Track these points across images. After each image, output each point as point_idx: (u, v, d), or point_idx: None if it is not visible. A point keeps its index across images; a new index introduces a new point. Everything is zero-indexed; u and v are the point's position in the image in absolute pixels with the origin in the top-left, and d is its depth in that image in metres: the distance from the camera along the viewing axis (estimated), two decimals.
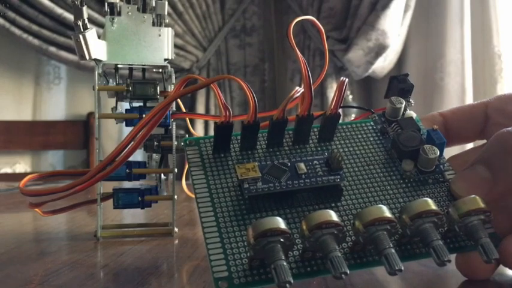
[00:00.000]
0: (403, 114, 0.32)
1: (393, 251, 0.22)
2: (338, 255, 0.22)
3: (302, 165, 0.27)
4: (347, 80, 0.29)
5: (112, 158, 0.29)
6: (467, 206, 0.24)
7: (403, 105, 0.31)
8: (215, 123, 0.28)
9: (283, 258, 0.22)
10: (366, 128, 0.32)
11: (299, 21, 0.31)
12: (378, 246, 0.22)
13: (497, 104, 0.32)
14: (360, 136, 0.31)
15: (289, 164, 0.27)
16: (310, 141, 0.30)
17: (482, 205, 0.24)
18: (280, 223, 0.22)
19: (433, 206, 0.23)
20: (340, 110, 0.29)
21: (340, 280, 0.25)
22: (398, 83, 0.32)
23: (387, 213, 0.23)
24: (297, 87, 0.28)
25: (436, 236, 0.23)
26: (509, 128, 0.27)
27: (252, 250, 0.22)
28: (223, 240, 0.24)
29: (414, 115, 0.32)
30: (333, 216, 0.22)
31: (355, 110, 1.56)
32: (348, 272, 0.21)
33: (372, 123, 0.32)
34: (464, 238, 0.26)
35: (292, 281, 0.21)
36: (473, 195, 0.24)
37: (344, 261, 0.22)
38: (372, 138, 0.31)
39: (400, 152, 0.29)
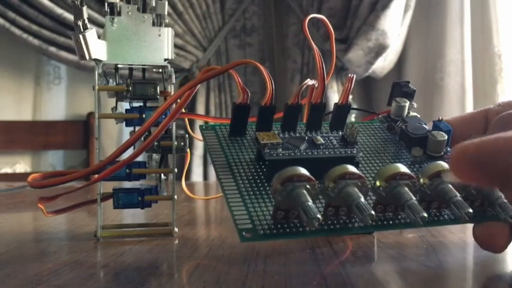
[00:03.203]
0: (407, 115, 0.33)
1: (415, 201, 0.23)
2: (363, 201, 0.23)
3: (319, 137, 0.28)
4: (354, 76, 0.31)
5: (132, 142, 0.30)
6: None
7: (407, 104, 0.33)
8: (233, 103, 0.29)
9: (310, 200, 0.22)
10: (373, 126, 0.34)
11: (311, 18, 0.33)
12: (401, 199, 0.24)
13: (497, 109, 0.33)
14: (368, 132, 0.33)
15: (306, 138, 0.28)
16: (322, 128, 0.31)
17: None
18: (306, 171, 0.23)
19: (448, 166, 0.25)
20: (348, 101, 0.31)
21: (340, 280, 0.25)
22: (401, 87, 0.34)
23: (406, 169, 0.24)
24: (308, 79, 0.29)
25: (455, 193, 0.24)
26: (509, 111, 0.28)
27: (279, 195, 0.22)
28: (245, 200, 0.25)
29: (418, 116, 0.33)
30: (354, 169, 0.23)
31: (355, 111, 1.56)
32: (374, 213, 0.22)
33: (378, 123, 0.33)
34: (484, 209, 0.27)
35: (320, 218, 0.22)
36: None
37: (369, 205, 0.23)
38: (379, 134, 0.33)
39: (409, 140, 0.31)
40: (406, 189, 0.24)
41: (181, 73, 1.56)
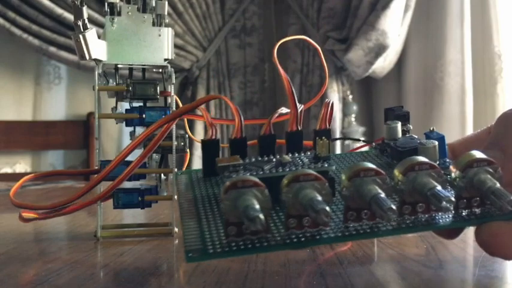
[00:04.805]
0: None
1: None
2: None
3: (286, 156, 0.26)
4: (332, 101, 0.30)
5: (105, 174, 0.30)
6: (466, 158, 0.23)
7: (399, 124, 0.31)
8: (202, 140, 0.28)
9: (257, 204, 0.20)
10: (366, 155, 0.32)
11: (285, 42, 0.32)
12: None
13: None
14: (359, 159, 0.31)
15: (274, 160, 0.26)
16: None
17: (479, 156, 0.23)
18: (253, 177, 0.21)
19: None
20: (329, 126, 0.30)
21: (340, 280, 0.25)
22: (393, 111, 0.32)
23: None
24: (282, 108, 0.28)
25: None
26: (509, 109, 0.28)
27: (224, 205, 0.20)
28: (201, 221, 0.24)
29: (413, 136, 0.31)
30: (370, 164, 0.22)
31: (354, 109, 1.56)
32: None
33: (373, 151, 0.32)
34: (487, 209, 0.24)
35: (262, 217, 0.20)
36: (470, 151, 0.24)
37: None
38: (374, 162, 0.30)
39: (400, 156, 0.28)
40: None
41: (181, 73, 1.56)
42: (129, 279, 0.27)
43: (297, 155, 0.27)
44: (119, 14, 0.37)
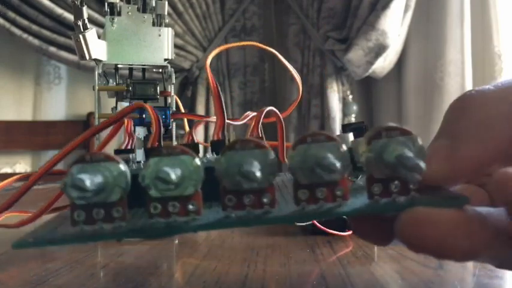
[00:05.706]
0: None
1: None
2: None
3: None
4: (266, 111, 0.28)
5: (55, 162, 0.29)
6: (374, 128, 0.18)
7: (349, 134, 0.28)
8: (114, 150, 0.26)
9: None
10: None
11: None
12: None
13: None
14: None
15: None
16: None
17: (390, 124, 0.18)
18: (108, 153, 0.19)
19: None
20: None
21: (340, 280, 0.25)
22: (350, 126, 0.30)
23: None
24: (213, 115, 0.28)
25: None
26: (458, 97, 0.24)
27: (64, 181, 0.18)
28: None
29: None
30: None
31: (354, 109, 1.56)
32: None
33: None
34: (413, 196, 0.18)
35: (85, 181, 0.17)
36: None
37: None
38: None
39: None
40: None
41: (181, 73, 1.56)
42: (129, 279, 0.27)
43: (202, 155, 0.25)
44: (119, 14, 0.37)
